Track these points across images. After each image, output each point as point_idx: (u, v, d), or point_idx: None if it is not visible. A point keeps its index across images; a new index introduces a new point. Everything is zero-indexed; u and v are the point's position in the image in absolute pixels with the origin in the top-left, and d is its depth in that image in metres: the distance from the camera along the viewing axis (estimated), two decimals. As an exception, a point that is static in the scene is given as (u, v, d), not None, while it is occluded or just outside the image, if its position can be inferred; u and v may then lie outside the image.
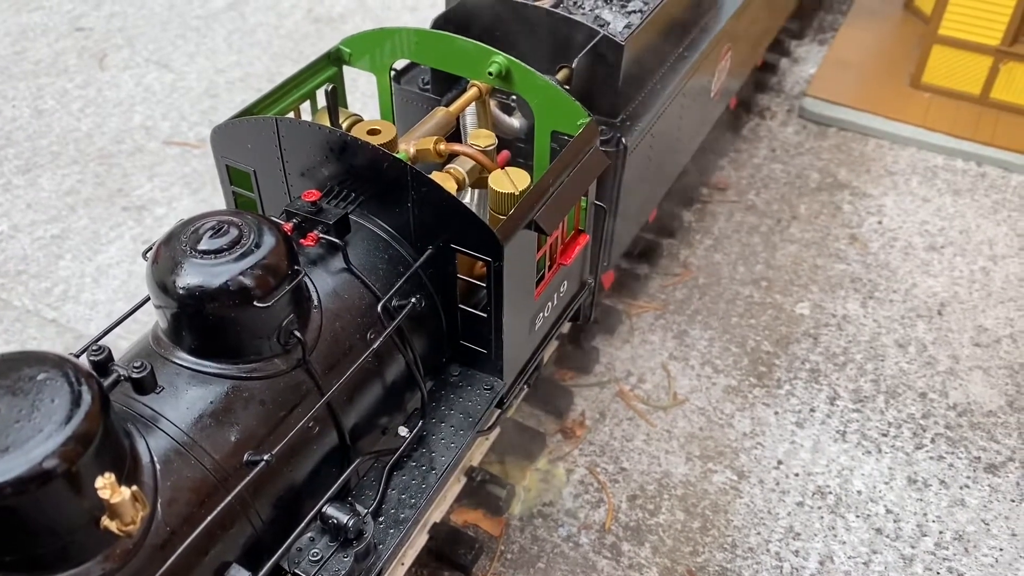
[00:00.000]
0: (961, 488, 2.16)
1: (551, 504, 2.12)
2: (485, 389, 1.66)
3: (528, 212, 1.50)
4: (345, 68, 1.94)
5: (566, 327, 2.35)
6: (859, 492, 2.15)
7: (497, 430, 2.16)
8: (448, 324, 1.64)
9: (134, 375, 1.19)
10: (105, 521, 1.08)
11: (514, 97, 2.10)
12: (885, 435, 2.27)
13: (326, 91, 1.71)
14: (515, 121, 2.04)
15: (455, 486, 2.09)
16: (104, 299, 2.59)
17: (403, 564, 1.94)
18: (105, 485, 1.01)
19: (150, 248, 1.34)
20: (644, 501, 2.13)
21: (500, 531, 2.06)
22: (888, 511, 2.11)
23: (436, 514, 2.03)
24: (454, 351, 1.69)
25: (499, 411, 1.87)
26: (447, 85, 2.09)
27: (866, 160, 3.14)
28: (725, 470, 2.19)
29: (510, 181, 1.55)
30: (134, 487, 1.04)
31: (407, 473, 1.52)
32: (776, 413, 2.32)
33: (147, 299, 1.39)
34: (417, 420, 1.57)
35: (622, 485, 2.16)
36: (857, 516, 2.10)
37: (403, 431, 1.56)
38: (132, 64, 3.55)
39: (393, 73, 1.99)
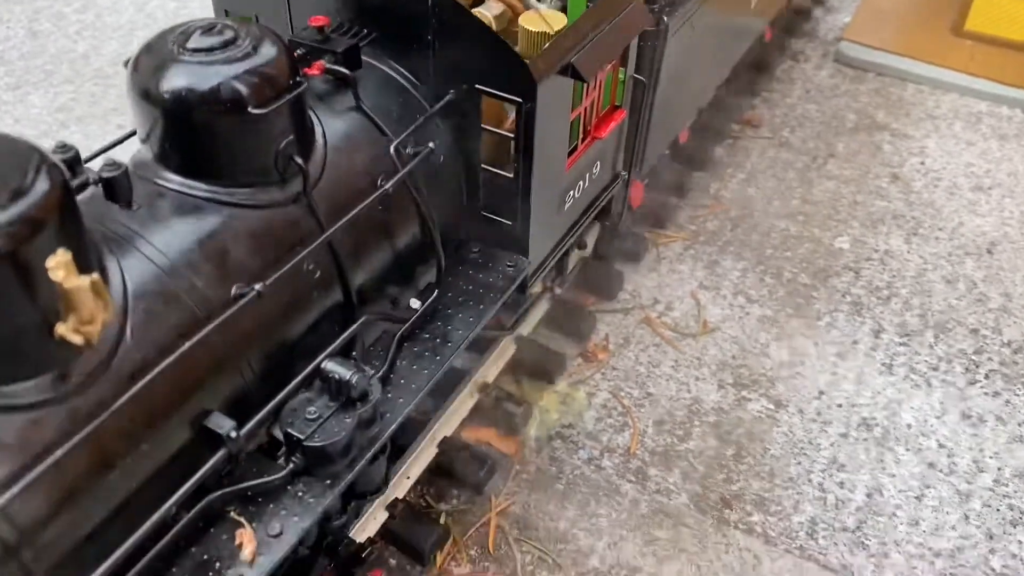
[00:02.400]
0: (1020, 425, 1.97)
1: (571, 427, 1.93)
2: (508, 266, 1.47)
3: (565, 53, 1.32)
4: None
5: (589, 247, 2.17)
6: (908, 426, 1.96)
7: (513, 342, 1.98)
8: (468, 192, 1.46)
9: (106, 175, 1.01)
10: (60, 328, 0.90)
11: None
12: (935, 369, 2.08)
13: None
14: None
15: (467, 401, 1.90)
16: (93, 213, 2.41)
17: (408, 478, 1.76)
18: (58, 264, 0.83)
19: (130, 59, 1.16)
20: (672, 427, 1.94)
21: (515, 451, 1.87)
22: (941, 445, 1.92)
23: (446, 428, 1.85)
24: (473, 228, 1.51)
25: (522, 306, 1.70)
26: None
27: (905, 104, 2.96)
28: (761, 399, 2.00)
29: (544, 21, 1.38)
30: (95, 275, 0.86)
31: (419, 345, 1.34)
32: (816, 344, 2.13)
33: (132, 132, 1.22)
34: (431, 292, 1.39)
35: (648, 410, 1.97)
36: (907, 449, 1.91)
37: (415, 303, 1.38)
38: (135, -8, 3.38)
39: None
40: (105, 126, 2.70)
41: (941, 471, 1.87)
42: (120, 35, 3.13)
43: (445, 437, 1.82)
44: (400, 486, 1.73)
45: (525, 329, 2.05)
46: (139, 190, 1.10)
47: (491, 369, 1.96)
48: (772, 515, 1.78)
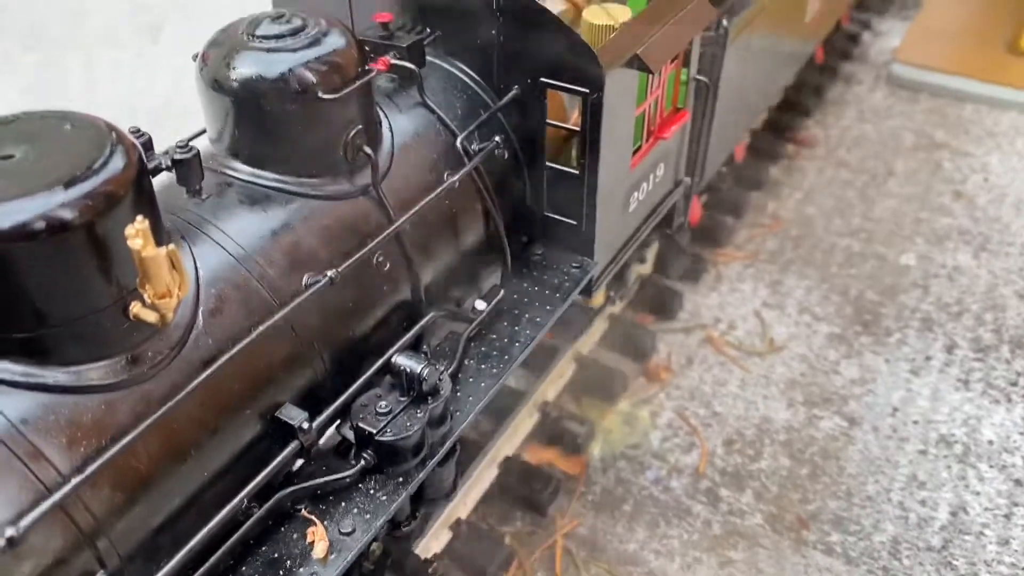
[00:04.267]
0: (1110, 440, 1.87)
1: (636, 447, 1.87)
2: (574, 267, 1.44)
3: (631, 44, 1.30)
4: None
5: (648, 263, 2.13)
6: (990, 442, 1.87)
7: (578, 359, 1.93)
8: (532, 194, 1.43)
9: (178, 156, 0.99)
10: (135, 308, 0.88)
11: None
12: (1014, 384, 1.99)
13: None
14: None
15: (527, 421, 1.85)
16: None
17: (465, 504, 1.69)
18: (137, 232, 0.80)
19: (199, 52, 1.16)
20: (742, 446, 1.87)
21: (580, 471, 1.81)
22: (1027, 462, 1.83)
23: (507, 447, 1.79)
24: (536, 231, 1.48)
25: (591, 311, 1.65)
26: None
27: (964, 122, 2.90)
28: (833, 416, 1.93)
29: (607, 14, 1.36)
30: (171, 247, 0.83)
31: (486, 345, 1.30)
32: (887, 361, 2.06)
33: (202, 131, 1.21)
34: (496, 292, 1.35)
35: (716, 429, 1.90)
36: (991, 466, 1.82)
37: (480, 304, 1.34)
38: (189, 39, 3.44)
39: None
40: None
41: (1030, 488, 1.78)
42: (173, 80, 3.18)
43: (507, 457, 1.77)
44: (462, 506, 1.68)
45: (584, 348, 2.01)
46: (207, 180, 1.08)
47: (551, 388, 1.91)
48: (852, 535, 1.70)
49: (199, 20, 3.43)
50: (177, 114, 2.92)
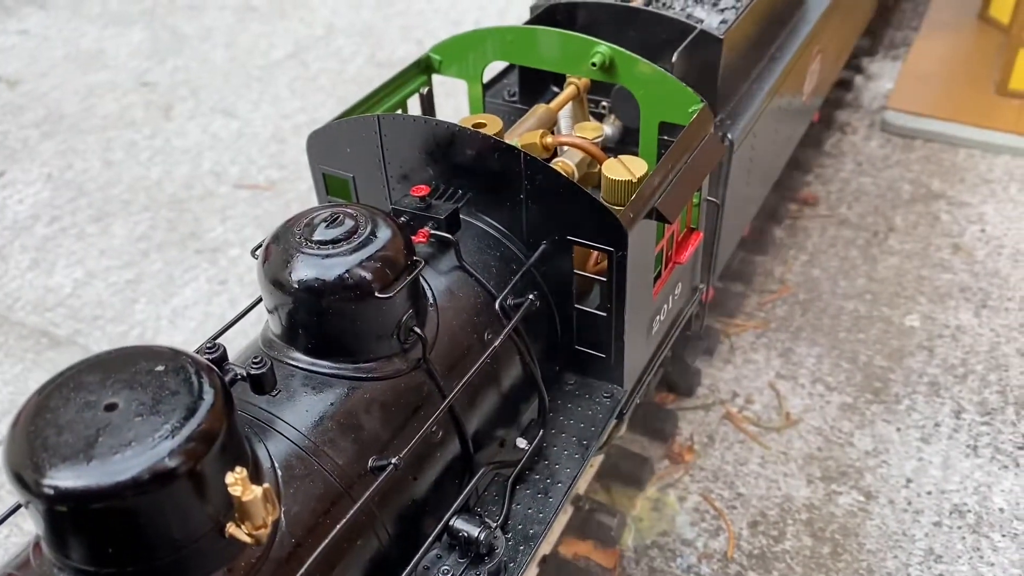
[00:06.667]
0: (1115, 502, 1.97)
1: (666, 534, 1.97)
2: (605, 397, 1.54)
3: (650, 199, 1.40)
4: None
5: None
6: (1001, 510, 1.97)
7: (601, 456, 2.03)
8: (562, 328, 1.53)
9: (253, 371, 1.09)
10: (231, 528, 0.97)
11: (604, 104, 2.02)
12: (1022, 448, 2.09)
13: (421, 94, 1.64)
14: (607, 128, 1.95)
15: (562, 516, 1.95)
16: (181, 340, 2.52)
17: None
18: (236, 481, 0.90)
19: (259, 246, 1.25)
20: (767, 527, 1.97)
21: (614, 563, 1.91)
22: (1037, 529, 1.93)
23: (544, 546, 1.89)
24: (567, 359, 1.58)
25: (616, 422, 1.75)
26: (535, 96, 2.01)
27: (958, 170, 2.99)
28: (851, 491, 2.03)
29: (626, 168, 1.45)
30: (265, 485, 0.93)
31: (530, 487, 1.40)
32: (898, 429, 2.16)
33: (259, 300, 1.30)
34: (536, 431, 1.45)
35: (740, 511, 2.00)
36: (1003, 535, 1.92)
37: (522, 443, 1.44)
38: (198, 114, 3.55)
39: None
40: (184, 251, 2.83)
41: (1041, 556, 1.88)
42: (189, 158, 3.28)
43: (544, 555, 1.87)
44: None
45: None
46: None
47: (581, 480, 2.00)
48: (875, 613, 1.80)
49: (207, 96, 3.54)
50: (199, 196, 3.03)
